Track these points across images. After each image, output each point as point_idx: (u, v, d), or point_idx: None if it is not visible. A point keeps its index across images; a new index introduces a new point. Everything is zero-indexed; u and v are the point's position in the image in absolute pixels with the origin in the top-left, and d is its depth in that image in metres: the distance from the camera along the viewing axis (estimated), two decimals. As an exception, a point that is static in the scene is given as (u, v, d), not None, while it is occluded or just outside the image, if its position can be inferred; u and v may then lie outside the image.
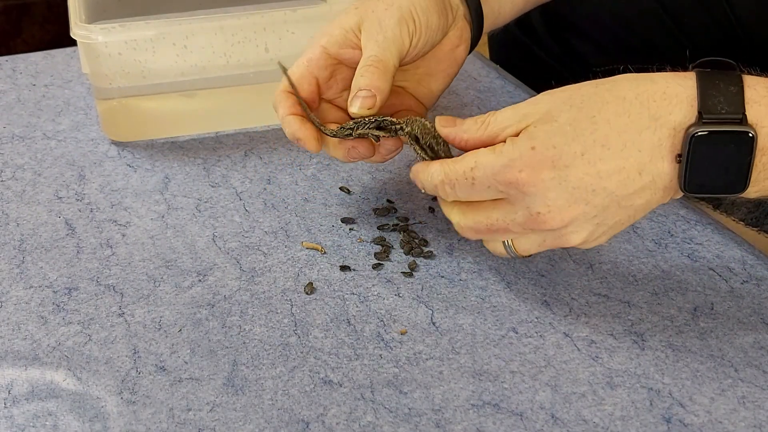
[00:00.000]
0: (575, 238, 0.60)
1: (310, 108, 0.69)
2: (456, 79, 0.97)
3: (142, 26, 0.81)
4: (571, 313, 0.65)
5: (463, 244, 0.72)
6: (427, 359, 0.61)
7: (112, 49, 0.81)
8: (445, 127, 0.63)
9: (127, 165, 0.84)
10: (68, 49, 1.04)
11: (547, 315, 0.65)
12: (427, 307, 0.66)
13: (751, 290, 0.67)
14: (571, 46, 1.02)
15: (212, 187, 0.80)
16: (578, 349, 0.62)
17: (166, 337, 0.63)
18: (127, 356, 0.62)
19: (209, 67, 0.84)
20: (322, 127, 0.68)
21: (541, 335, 0.63)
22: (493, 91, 0.96)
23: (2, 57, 1.03)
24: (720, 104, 0.56)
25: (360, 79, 0.66)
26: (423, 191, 0.65)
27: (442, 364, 0.61)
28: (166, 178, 0.82)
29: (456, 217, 0.63)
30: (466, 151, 0.61)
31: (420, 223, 0.75)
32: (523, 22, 1.03)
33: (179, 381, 0.60)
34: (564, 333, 0.63)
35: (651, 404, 0.58)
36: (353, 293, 0.67)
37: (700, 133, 0.55)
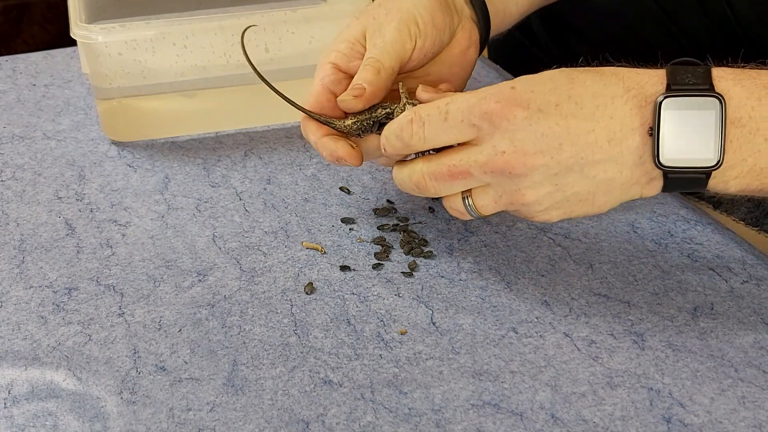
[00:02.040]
0: (531, 194, 0.58)
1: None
2: (456, 79, 0.97)
3: (142, 26, 0.81)
4: (571, 313, 0.65)
5: (463, 244, 0.72)
6: (427, 359, 0.61)
7: (112, 49, 0.81)
8: (427, 92, 0.65)
9: (127, 165, 0.84)
10: (68, 49, 1.04)
11: (547, 315, 0.65)
12: (427, 307, 0.66)
13: (752, 290, 0.67)
14: (569, 48, 1.02)
15: (212, 187, 0.80)
16: (578, 349, 0.62)
17: (166, 337, 0.63)
18: (127, 356, 0.62)
19: (209, 67, 0.84)
20: (334, 122, 0.68)
21: (541, 335, 0.63)
22: (493, 91, 0.96)
23: (2, 57, 1.03)
24: (688, 78, 0.57)
25: (354, 78, 0.67)
26: (384, 150, 0.64)
27: (442, 364, 0.61)
28: (166, 178, 0.82)
29: (419, 165, 0.62)
30: None
31: (420, 223, 0.75)
32: (521, 24, 1.03)
33: (179, 381, 0.60)
34: (564, 333, 0.63)
35: (651, 404, 0.58)
36: (353, 293, 0.67)
37: (668, 98, 0.56)
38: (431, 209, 0.76)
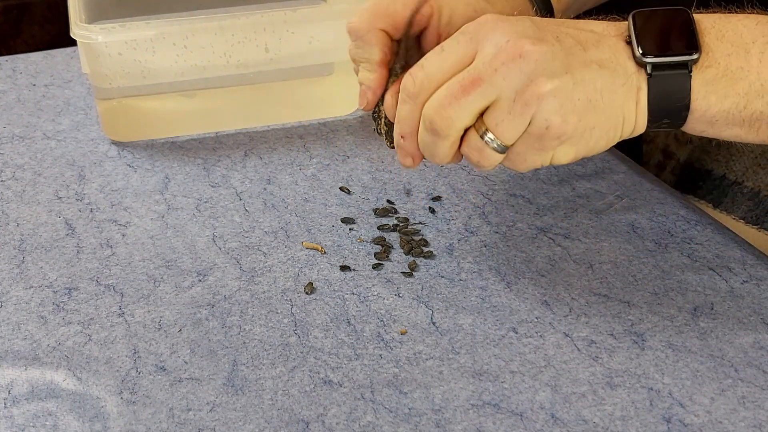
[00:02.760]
0: (546, 82, 0.55)
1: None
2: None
3: (142, 26, 0.81)
4: (571, 313, 0.65)
5: (463, 244, 0.72)
6: (427, 359, 0.61)
7: (112, 49, 0.81)
8: None
9: (127, 165, 0.84)
10: (68, 49, 1.04)
11: (547, 315, 0.65)
12: (427, 307, 0.66)
13: (752, 290, 0.67)
14: None
15: (212, 187, 0.80)
16: (578, 349, 0.62)
17: (166, 337, 0.63)
18: (127, 356, 0.62)
19: (209, 67, 0.84)
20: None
21: (541, 335, 0.63)
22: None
23: (2, 57, 1.03)
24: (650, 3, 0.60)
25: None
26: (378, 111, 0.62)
27: (442, 364, 0.61)
28: (166, 178, 0.82)
29: (428, 103, 0.58)
30: None
31: (420, 223, 0.75)
32: None
33: (179, 381, 0.60)
34: (564, 333, 0.63)
35: (651, 404, 0.58)
36: (353, 293, 0.67)
37: (638, 12, 0.58)
38: (431, 209, 0.76)
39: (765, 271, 0.69)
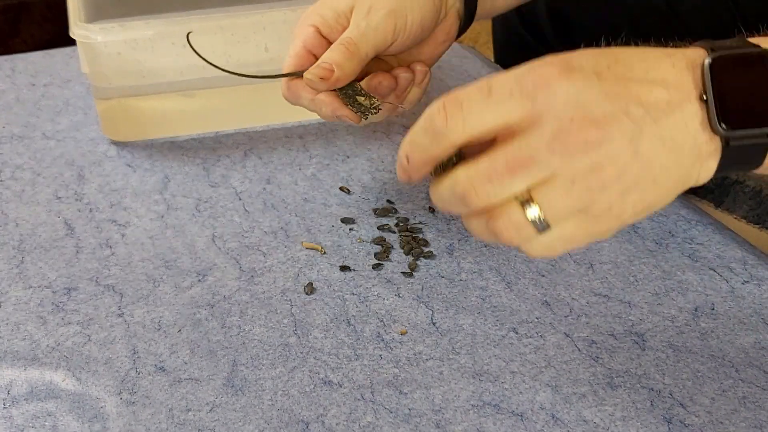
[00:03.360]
0: (611, 167, 0.48)
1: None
2: (456, 79, 0.97)
3: (141, 26, 0.81)
4: (572, 313, 0.65)
5: (464, 244, 0.72)
6: (427, 359, 0.61)
7: (111, 48, 0.80)
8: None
9: (127, 165, 0.83)
10: (67, 49, 1.04)
11: (547, 315, 0.65)
12: (427, 307, 0.66)
13: (752, 290, 0.67)
14: (577, 46, 1.02)
15: (212, 187, 0.80)
16: (579, 350, 0.62)
17: (166, 337, 0.63)
18: (126, 356, 0.62)
19: (208, 66, 0.83)
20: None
21: (541, 335, 0.63)
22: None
23: (1, 56, 1.03)
24: (728, 44, 0.51)
25: (327, 53, 0.67)
26: (407, 161, 0.52)
27: (442, 364, 0.61)
28: (166, 178, 0.81)
29: (462, 170, 0.50)
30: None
31: (420, 223, 0.75)
32: (529, 23, 1.03)
33: (179, 381, 0.60)
34: (564, 333, 0.63)
35: (652, 405, 0.58)
36: (353, 293, 0.67)
37: (719, 54, 0.50)
38: (431, 209, 0.76)
39: (766, 271, 0.69)
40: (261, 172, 0.82)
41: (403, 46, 0.69)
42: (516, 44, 1.07)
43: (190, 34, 0.71)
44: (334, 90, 0.68)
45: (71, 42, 0.83)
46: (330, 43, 0.68)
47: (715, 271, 0.69)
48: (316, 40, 0.68)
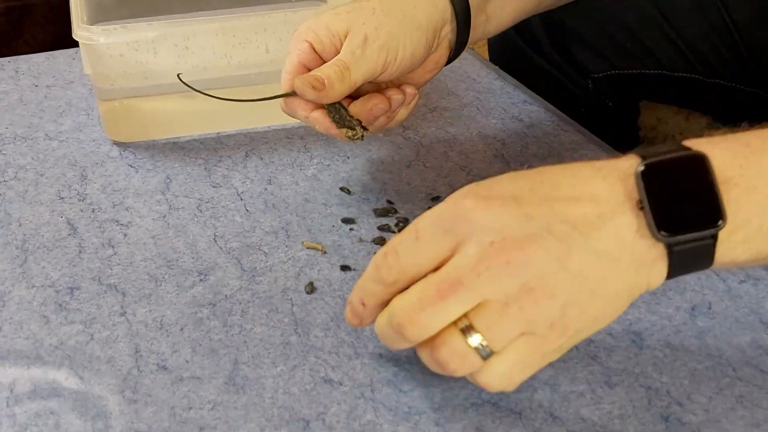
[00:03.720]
0: (539, 288, 0.49)
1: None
2: (455, 80, 0.98)
3: (143, 27, 0.81)
4: (570, 312, 0.65)
5: (463, 244, 0.73)
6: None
7: (113, 50, 0.81)
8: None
9: (129, 165, 0.84)
10: (70, 50, 1.04)
11: (546, 314, 0.65)
12: (426, 306, 0.66)
13: (749, 290, 0.67)
14: (570, 53, 1.02)
15: (213, 187, 0.81)
16: (576, 348, 0.62)
17: (168, 336, 0.64)
18: (128, 355, 0.62)
19: (210, 67, 0.84)
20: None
21: (540, 334, 0.63)
22: (492, 92, 0.96)
23: (4, 58, 1.03)
24: (660, 149, 0.51)
25: (323, 68, 0.69)
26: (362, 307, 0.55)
27: (441, 363, 0.61)
28: (168, 178, 0.82)
29: (397, 303, 0.52)
30: None
31: (420, 223, 0.75)
32: (522, 29, 1.03)
33: (180, 380, 0.60)
34: (563, 332, 0.64)
35: (649, 403, 0.58)
36: (353, 293, 0.68)
37: (648, 165, 0.49)
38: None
39: (762, 270, 0.69)
40: (262, 172, 0.83)
41: (392, 76, 0.71)
42: (510, 50, 1.07)
43: (180, 75, 0.74)
44: (325, 109, 0.71)
45: (74, 43, 0.84)
46: (323, 60, 0.70)
47: (712, 270, 0.69)
48: (310, 55, 0.70)
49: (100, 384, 0.60)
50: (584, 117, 0.93)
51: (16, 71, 1.01)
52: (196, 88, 0.73)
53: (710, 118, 0.99)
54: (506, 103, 0.94)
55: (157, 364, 0.61)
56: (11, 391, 0.59)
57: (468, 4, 0.73)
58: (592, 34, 1.00)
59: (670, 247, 0.50)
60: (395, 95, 0.72)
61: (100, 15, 0.87)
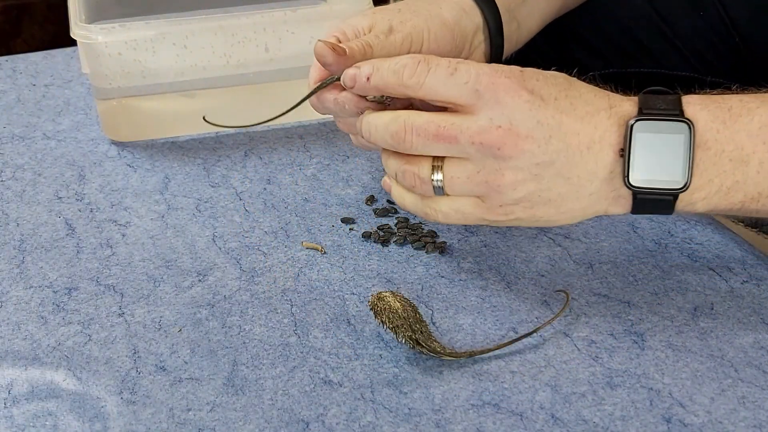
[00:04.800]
0: (510, 176, 0.58)
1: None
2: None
3: (142, 26, 0.81)
4: (571, 313, 0.65)
5: (463, 244, 0.72)
6: (426, 359, 0.61)
7: (112, 49, 0.81)
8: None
9: (127, 165, 0.84)
10: (68, 49, 1.04)
11: (547, 315, 0.65)
12: (427, 307, 0.66)
13: (751, 290, 0.67)
14: (567, 51, 1.02)
15: (212, 187, 0.80)
16: (578, 349, 0.62)
17: (166, 337, 0.63)
18: (127, 356, 0.62)
19: (209, 67, 0.84)
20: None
21: (540, 335, 0.63)
22: (493, 91, 0.96)
23: (2, 57, 1.03)
24: (659, 104, 0.59)
25: (346, 42, 0.67)
26: (366, 79, 0.61)
27: (441, 364, 0.61)
28: (166, 178, 0.82)
29: (405, 114, 0.60)
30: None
31: (420, 223, 0.75)
32: None
33: (179, 381, 0.60)
34: (564, 333, 0.63)
35: (651, 404, 0.58)
36: (353, 293, 0.67)
37: (639, 120, 0.58)
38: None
39: (765, 271, 0.69)
40: (261, 172, 0.82)
41: None
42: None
43: (205, 117, 0.72)
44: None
45: (72, 42, 0.84)
46: None
47: (714, 271, 0.69)
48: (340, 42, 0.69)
49: (99, 385, 0.59)
50: None
51: (14, 70, 1.00)
52: (225, 125, 0.72)
53: None
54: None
55: (156, 365, 0.61)
56: (9, 392, 0.59)
57: (497, 11, 0.74)
58: (588, 32, 1.00)
59: (634, 194, 0.59)
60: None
61: (99, 14, 0.86)
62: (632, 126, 0.58)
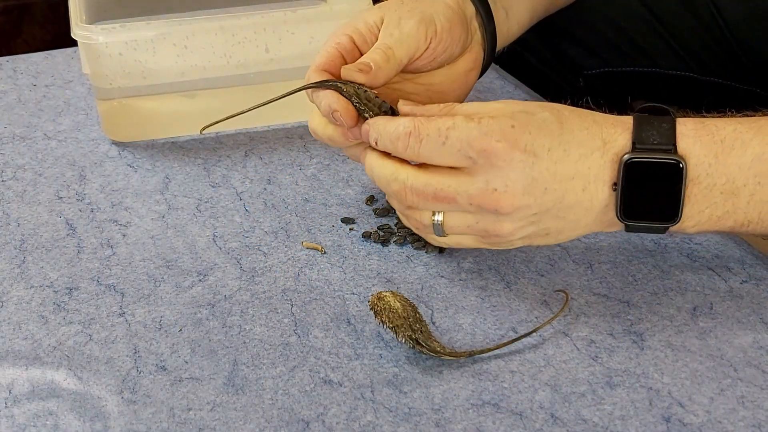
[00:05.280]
0: (508, 227, 0.61)
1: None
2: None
3: (142, 27, 0.81)
4: (571, 312, 0.65)
5: (463, 244, 0.72)
6: (426, 359, 0.61)
7: (112, 49, 0.81)
8: (407, 105, 0.65)
9: (128, 165, 0.84)
10: (69, 50, 1.04)
11: (546, 315, 0.65)
12: (426, 306, 0.66)
13: (750, 290, 0.67)
14: (561, 50, 1.02)
15: (212, 187, 0.81)
16: (578, 349, 0.62)
17: (167, 336, 0.64)
18: (127, 356, 0.62)
19: (209, 67, 0.84)
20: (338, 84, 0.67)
21: (540, 335, 0.63)
22: (492, 91, 0.96)
23: (3, 57, 1.03)
24: (652, 136, 0.60)
25: (366, 55, 0.67)
26: (374, 142, 0.63)
27: (441, 363, 0.61)
28: (167, 178, 0.82)
29: (405, 174, 0.62)
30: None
31: (420, 223, 0.75)
32: None
33: (180, 380, 0.60)
34: (563, 333, 0.63)
35: (650, 404, 0.58)
36: (353, 293, 0.67)
37: (633, 160, 0.60)
38: (431, 209, 0.76)
39: (764, 271, 0.69)
40: (261, 172, 0.83)
41: (439, 56, 0.71)
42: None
43: (202, 130, 0.72)
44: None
45: (73, 43, 0.84)
46: (361, 53, 0.69)
47: (713, 270, 0.69)
48: (349, 45, 0.69)
49: (99, 385, 0.60)
50: None
51: (15, 70, 1.01)
52: (221, 119, 0.71)
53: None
54: (506, 102, 0.94)
55: (156, 364, 0.61)
56: (10, 392, 0.59)
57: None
58: (583, 32, 1.00)
59: (626, 226, 0.62)
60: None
61: (99, 14, 0.86)
62: (626, 163, 0.60)
